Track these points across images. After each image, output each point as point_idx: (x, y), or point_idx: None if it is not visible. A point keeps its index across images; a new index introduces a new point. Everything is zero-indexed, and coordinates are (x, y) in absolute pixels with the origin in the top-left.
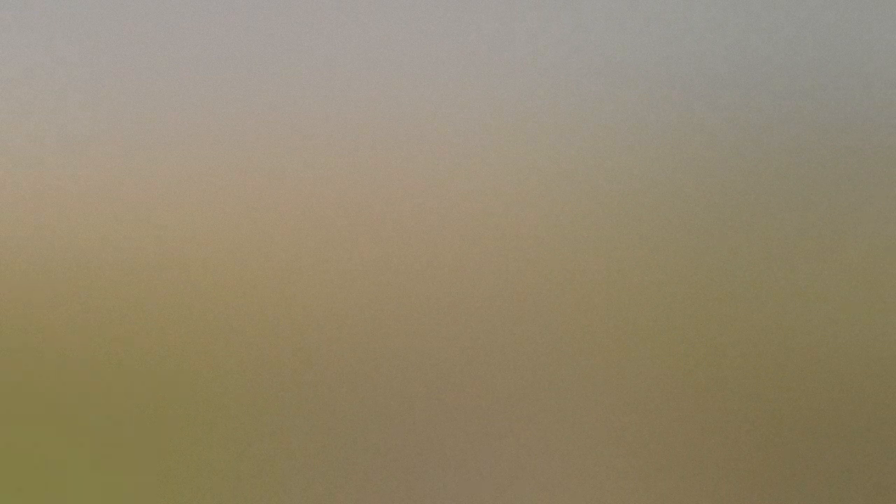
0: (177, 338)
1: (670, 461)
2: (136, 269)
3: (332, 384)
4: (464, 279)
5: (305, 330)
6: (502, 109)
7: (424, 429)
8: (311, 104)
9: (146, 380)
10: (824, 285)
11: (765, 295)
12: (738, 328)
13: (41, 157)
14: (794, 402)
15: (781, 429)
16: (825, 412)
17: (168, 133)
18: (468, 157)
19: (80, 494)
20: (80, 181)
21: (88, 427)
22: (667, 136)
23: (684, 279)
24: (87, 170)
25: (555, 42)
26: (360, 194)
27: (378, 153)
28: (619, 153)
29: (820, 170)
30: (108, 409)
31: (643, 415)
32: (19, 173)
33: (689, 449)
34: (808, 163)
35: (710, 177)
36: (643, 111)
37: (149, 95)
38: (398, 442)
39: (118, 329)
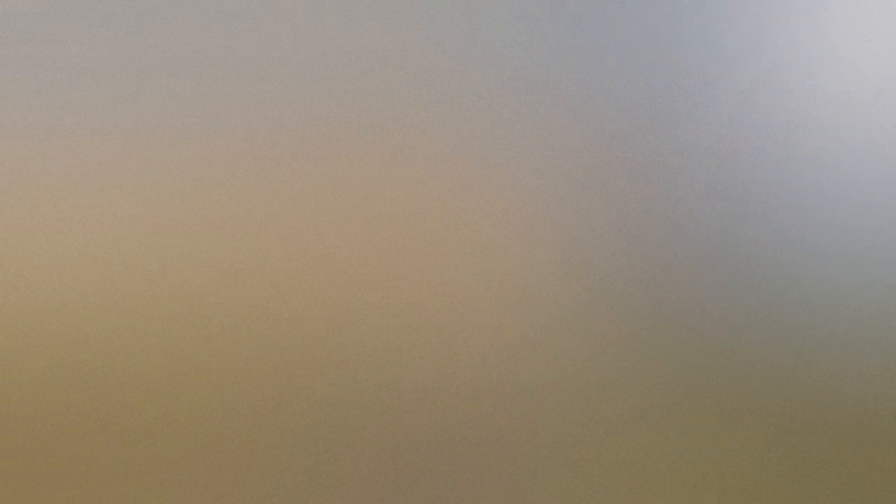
0: (172, 337)
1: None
2: (132, 268)
3: (330, 385)
4: (462, 279)
5: (303, 331)
6: (493, 109)
7: (420, 430)
8: (305, 105)
9: (145, 381)
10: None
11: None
12: (734, 327)
13: (37, 160)
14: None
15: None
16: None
17: (162, 134)
18: (463, 157)
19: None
20: (76, 183)
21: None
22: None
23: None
24: (82, 172)
25: (544, 41)
26: (356, 195)
27: (373, 154)
28: (613, 152)
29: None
30: (106, 413)
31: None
32: (17, 176)
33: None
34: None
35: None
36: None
37: (144, 96)
38: (393, 442)
39: (118, 329)
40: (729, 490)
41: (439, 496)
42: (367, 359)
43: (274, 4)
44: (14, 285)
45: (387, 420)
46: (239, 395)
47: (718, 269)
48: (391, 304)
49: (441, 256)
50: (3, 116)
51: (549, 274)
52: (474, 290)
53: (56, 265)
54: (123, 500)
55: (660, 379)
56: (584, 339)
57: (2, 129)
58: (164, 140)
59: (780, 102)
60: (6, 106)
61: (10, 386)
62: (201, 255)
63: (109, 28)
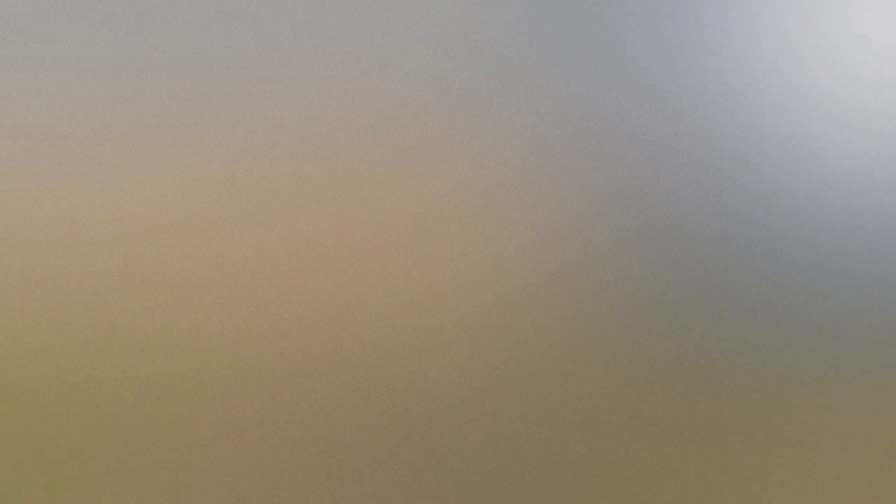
0: (171, 337)
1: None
2: (132, 268)
3: (330, 385)
4: (461, 279)
5: (304, 332)
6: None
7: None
8: (305, 105)
9: (144, 381)
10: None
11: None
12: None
13: (37, 160)
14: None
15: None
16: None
17: (162, 134)
18: (462, 158)
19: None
20: (77, 183)
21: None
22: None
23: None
24: (85, 172)
25: (539, 44)
26: (356, 195)
27: (373, 154)
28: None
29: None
30: (107, 413)
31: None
32: (18, 176)
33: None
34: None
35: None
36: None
37: (144, 96)
38: (391, 442)
39: (119, 328)
40: (729, 491)
41: (439, 496)
42: (367, 358)
43: (274, 4)
44: (14, 285)
45: (386, 420)
46: (239, 394)
47: (718, 268)
48: (391, 304)
49: (440, 256)
50: (3, 116)
51: (549, 274)
52: (473, 290)
53: (56, 265)
54: (124, 500)
55: (659, 380)
56: (583, 339)
57: (2, 129)
58: (165, 140)
59: (779, 102)
60: (6, 106)
61: (10, 386)
62: (201, 254)
63: (109, 28)
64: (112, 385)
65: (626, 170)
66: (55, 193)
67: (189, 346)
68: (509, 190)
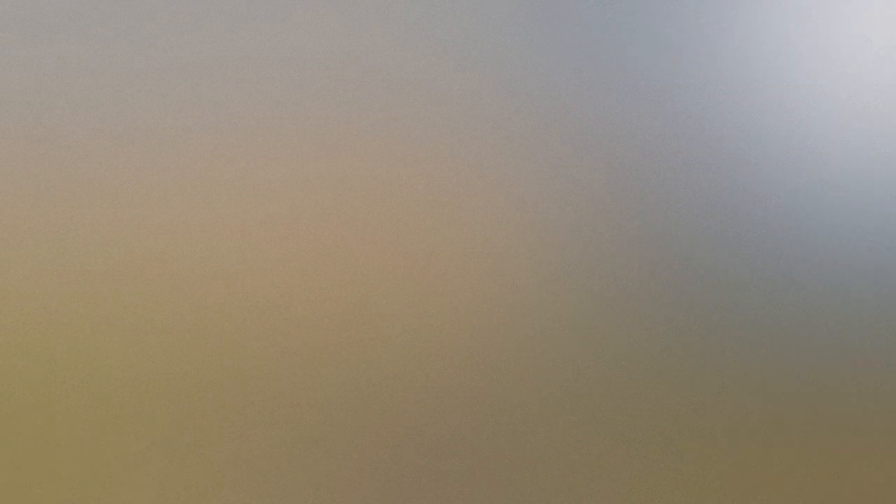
0: (172, 337)
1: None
2: (134, 269)
3: (331, 385)
4: (459, 280)
5: (305, 331)
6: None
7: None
8: (305, 104)
9: (145, 382)
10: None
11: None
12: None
13: (38, 160)
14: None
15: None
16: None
17: (162, 134)
18: (462, 159)
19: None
20: (79, 183)
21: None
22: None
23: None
24: (87, 171)
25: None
26: (356, 196)
27: (373, 154)
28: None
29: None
30: (108, 413)
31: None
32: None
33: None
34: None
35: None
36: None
37: (144, 96)
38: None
39: (120, 329)
40: (729, 491)
41: (439, 496)
42: (367, 358)
43: (274, 4)
44: (15, 286)
45: (386, 419)
46: (238, 394)
47: (718, 268)
48: (390, 304)
49: (440, 256)
50: (4, 116)
51: (548, 274)
52: (473, 290)
53: (56, 265)
54: (124, 500)
55: (658, 379)
56: (583, 339)
57: (2, 128)
58: (165, 140)
59: (779, 102)
60: (6, 106)
61: (10, 386)
62: (200, 254)
63: (109, 28)
64: (112, 385)
65: (625, 170)
66: (55, 193)
67: (188, 346)
68: (509, 190)
